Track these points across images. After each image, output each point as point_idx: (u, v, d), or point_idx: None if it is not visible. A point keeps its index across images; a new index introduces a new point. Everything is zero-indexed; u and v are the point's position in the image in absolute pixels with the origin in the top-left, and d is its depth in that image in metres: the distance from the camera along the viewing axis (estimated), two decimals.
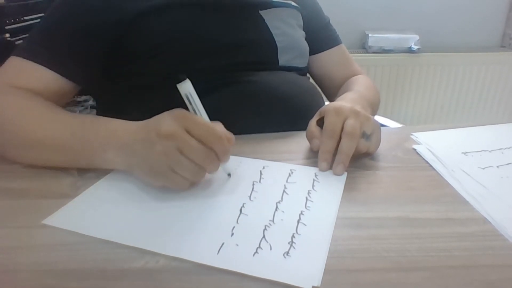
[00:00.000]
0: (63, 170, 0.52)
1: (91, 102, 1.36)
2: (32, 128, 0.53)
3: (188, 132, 0.43)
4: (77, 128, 0.52)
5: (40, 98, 0.58)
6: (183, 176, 0.44)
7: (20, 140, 0.54)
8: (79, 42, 0.64)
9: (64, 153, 0.52)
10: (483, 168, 0.53)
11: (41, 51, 0.61)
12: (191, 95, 0.46)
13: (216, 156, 0.45)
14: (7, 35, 1.09)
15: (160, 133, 0.44)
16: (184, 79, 0.45)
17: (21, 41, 1.09)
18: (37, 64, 0.60)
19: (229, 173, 0.51)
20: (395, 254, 0.37)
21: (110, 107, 0.75)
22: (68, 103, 1.23)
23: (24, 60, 0.60)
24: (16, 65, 0.61)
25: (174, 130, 0.43)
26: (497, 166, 0.54)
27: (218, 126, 0.47)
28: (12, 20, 1.11)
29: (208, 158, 0.44)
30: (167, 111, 0.46)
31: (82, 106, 1.35)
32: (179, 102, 0.65)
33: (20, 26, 1.13)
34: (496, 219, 0.42)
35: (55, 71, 0.61)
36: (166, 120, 0.45)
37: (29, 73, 0.60)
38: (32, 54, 0.61)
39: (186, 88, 0.46)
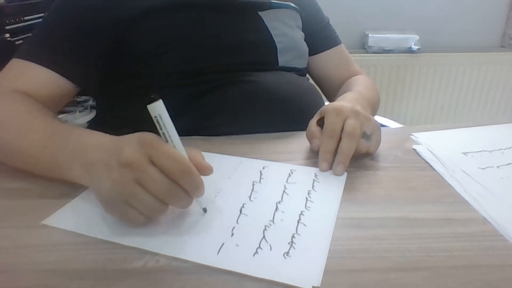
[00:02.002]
0: None
1: (91, 102, 1.36)
2: (12, 137, 0.52)
3: (151, 161, 0.38)
4: (48, 141, 0.49)
5: (31, 102, 0.57)
6: (139, 210, 0.38)
7: (2, 148, 0.53)
8: (79, 43, 0.64)
9: (38, 166, 0.50)
10: (483, 168, 0.53)
11: (42, 52, 0.61)
12: (161, 118, 0.38)
13: (183, 191, 0.39)
14: (7, 35, 1.09)
15: (119, 160, 0.38)
16: (157, 99, 0.38)
17: (21, 41, 1.09)
18: (38, 65, 0.60)
19: (204, 207, 0.43)
20: (395, 254, 0.37)
21: (110, 107, 0.75)
22: (68, 103, 1.23)
23: (25, 61, 0.60)
24: (17, 67, 0.61)
25: (134, 158, 0.37)
26: (497, 166, 0.54)
27: (195, 154, 0.41)
28: (12, 20, 1.11)
29: (172, 193, 0.38)
30: (137, 133, 0.40)
31: (82, 106, 1.35)
32: (179, 103, 0.66)
33: (20, 26, 1.13)
34: (496, 220, 0.42)
35: (55, 71, 0.61)
36: (129, 146, 0.39)
37: (29, 75, 0.60)
38: (32, 55, 0.61)
39: (157, 109, 0.38)
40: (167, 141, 0.39)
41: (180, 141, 0.40)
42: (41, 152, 0.49)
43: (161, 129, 0.39)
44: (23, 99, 0.57)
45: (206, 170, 0.41)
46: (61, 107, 0.66)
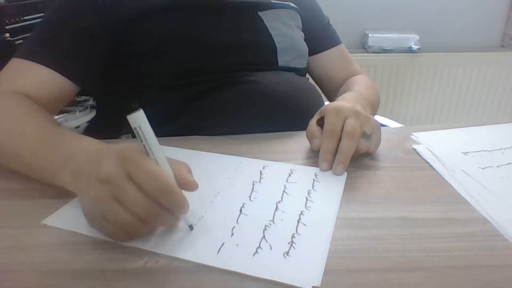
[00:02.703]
0: None
1: (91, 102, 1.36)
2: (5, 140, 0.52)
3: (130, 178, 0.35)
4: (39, 146, 0.49)
5: (27, 104, 0.56)
6: (119, 227, 0.37)
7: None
8: (80, 42, 0.64)
9: (31, 170, 0.49)
10: (483, 168, 0.53)
11: (42, 51, 0.61)
12: (141, 129, 0.36)
13: (165, 209, 0.36)
14: (7, 35, 1.09)
15: (98, 176, 0.36)
16: (137, 109, 0.35)
17: (21, 41, 1.09)
18: (38, 64, 0.60)
19: (190, 224, 0.41)
20: (395, 254, 0.37)
21: (110, 107, 0.75)
22: (68, 103, 1.23)
23: (25, 61, 0.60)
24: (17, 67, 0.61)
25: (112, 174, 0.36)
26: (497, 166, 0.54)
27: (180, 168, 0.39)
28: (12, 20, 1.11)
29: (151, 212, 0.36)
30: (120, 146, 0.38)
31: (82, 106, 1.35)
32: (179, 103, 0.66)
33: (20, 26, 1.13)
34: (496, 219, 0.42)
35: (56, 70, 0.61)
36: (108, 160, 0.37)
37: (29, 74, 0.60)
38: (32, 54, 0.61)
39: (137, 120, 0.36)
40: (148, 154, 0.37)
41: (163, 154, 0.37)
42: (31, 157, 0.49)
43: (141, 141, 0.36)
44: (19, 101, 0.56)
45: (190, 186, 0.38)
46: (61, 107, 0.66)
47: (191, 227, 0.41)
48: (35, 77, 0.60)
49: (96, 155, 0.40)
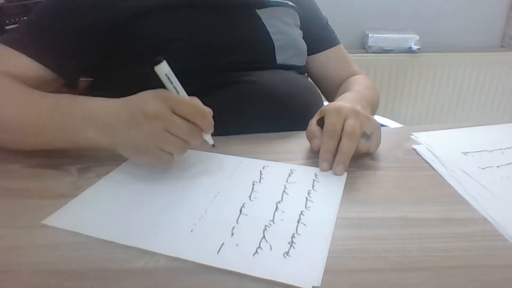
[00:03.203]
0: (63, 170, 0.52)
1: None
2: (9, 112, 0.54)
3: (173, 111, 0.45)
4: (53, 108, 0.52)
5: (17, 80, 0.58)
6: (170, 152, 0.47)
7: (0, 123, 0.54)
8: (71, 38, 0.63)
9: (43, 135, 0.53)
10: (483, 168, 0.53)
11: (29, 43, 0.61)
12: (170, 75, 0.47)
13: (199, 129, 0.48)
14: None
15: (146, 114, 0.45)
16: (161, 61, 0.46)
17: None
18: (23, 55, 0.60)
19: (213, 143, 0.52)
20: (395, 254, 0.37)
21: None
22: None
23: (10, 49, 0.60)
24: (2, 53, 0.61)
25: (160, 111, 0.45)
26: (497, 166, 0.54)
27: (196, 101, 0.49)
28: (12, 20, 1.11)
29: (193, 134, 0.47)
30: (149, 91, 0.47)
31: None
32: None
33: (21, 24, 1.13)
34: (496, 219, 0.42)
35: (37, 61, 0.61)
36: (151, 101, 0.46)
37: (11, 60, 0.60)
38: (19, 44, 0.61)
39: (165, 68, 0.46)
40: (178, 93, 0.48)
41: (185, 91, 0.49)
42: (47, 121, 0.52)
43: (171, 83, 0.47)
44: (11, 78, 0.58)
45: (210, 111, 0.49)
46: None
47: (213, 145, 0.53)
48: (19, 65, 0.60)
49: (129, 105, 0.48)
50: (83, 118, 0.50)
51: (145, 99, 0.47)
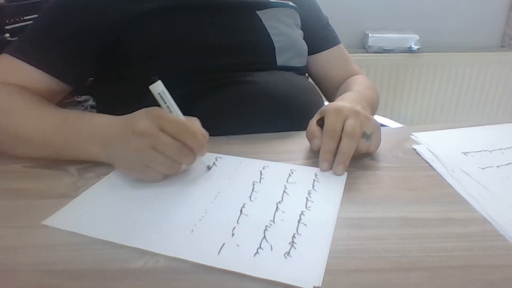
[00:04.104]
0: (63, 170, 0.52)
1: (91, 102, 1.35)
2: (20, 124, 0.55)
3: (162, 129, 0.45)
4: (61, 126, 0.54)
5: (28, 92, 0.59)
6: (157, 170, 0.47)
7: (8, 136, 0.56)
8: (72, 43, 0.64)
9: (50, 148, 0.54)
10: (483, 168, 0.53)
11: (32, 51, 0.62)
12: (164, 94, 0.48)
13: (190, 150, 0.47)
14: (7, 35, 1.09)
15: (135, 131, 0.46)
16: (156, 81, 0.47)
17: None
18: (27, 64, 0.61)
19: (208, 165, 0.53)
20: (395, 254, 0.37)
21: (109, 107, 0.75)
22: (68, 103, 1.23)
23: (15, 59, 0.61)
24: (7, 63, 0.61)
25: (148, 128, 0.45)
26: (497, 166, 0.54)
27: (194, 122, 0.50)
28: (12, 20, 1.11)
29: (182, 153, 0.47)
30: (143, 109, 0.48)
31: (82, 106, 1.34)
32: (177, 103, 0.65)
33: (20, 26, 1.13)
34: (496, 219, 0.42)
35: (44, 71, 0.62)
36: (141, 119, 0.47)
37: (19, 72, 0.61)
38: (23, 53, 0.61)
39: (159, 88, 0.48)
40: (170, 112, 0.48)
41: (180, 111, 0.49)
42: (53, 136, 0.54)
43: (165, 103, 0.48)
44: (20, 89, 0.59)
45: (204, 135, 0.49)
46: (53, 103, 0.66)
47: (208, 167, 0.52)
48: (24, 75, 0.61)
49: (125, 121, 0.49)
50: (88, 134, 0.52)
51: (137, 116, 0.48)
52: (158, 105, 0.48)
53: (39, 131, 0.54)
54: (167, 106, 0.48)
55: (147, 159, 0.46)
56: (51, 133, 0.54)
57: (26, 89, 0.60)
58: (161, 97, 0.48)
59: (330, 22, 0.90)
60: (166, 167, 0.47)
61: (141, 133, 0.45)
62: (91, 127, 0.52)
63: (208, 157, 0.52)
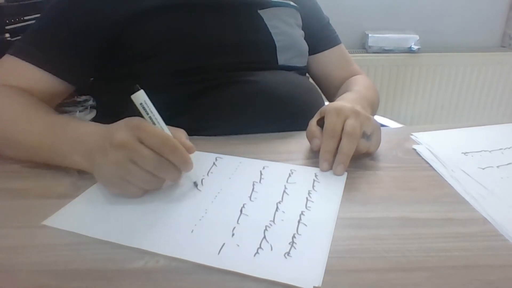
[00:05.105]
0: (63, 170, 0.52)
1: (91, 102, 1.35)
2: (10, 129, 0.55)
3: (141, 142, 0.42)
4: (47, 131, 0.53)
5: (26, 95, 0.59)
6: (136, 185, 0.44)
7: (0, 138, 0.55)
8: (74, 43, 0.64)
9: (39, 153, 0.53)
10: (483, 168, 0.53)
11: (35, 51, 0.62)
12: (146, 104, 0.45)
13: (172, 165, 0.44)
14: (7, 35, 1.09)
15: (112, 143, 0.43)
16: (138, 90, 0.45)
17: None
18: (30, 64, 0.61)
19: (195, 181, 0.48)
20: (395, 254, 0.37)
21: (109, 107, 0.75)
22: (68, 103, 1.23)
23: (18, 59, 0.61)
24: (10, 64, 0.62)
25: (126, 140, 0.42)
26: (497, 166, 0.54)
27: (178, 134, 0.47)
28: (12, 20, 1.11)
29: (162, 167, 0.43)
30: (124, 119, 0.45)
31: (82, 106, 1.34)
32: (177, 103, 0.66)
33: (20, 26, 1.13)
34: (496, 219, 0.42)
35: (48, 71, 0.62)
36: (119, 130, 0.44)
37: (21, 73, 0.61)
38: (25, 54, 0.61)
39: (140, 98, 0.45)
40: (154, 124, 0.45)
41: (164, 123, 0.46)
42: (40, 142, 0.52)
43: (147, 114, 0.45)
44: (18, 92, 0.58)
45: (189, 149, 0.46)
46: (54, 105, 0.66)
47: (195, 184, 0.48)
48: (27, 76, 0.61)
49: (105, 131, 0.46)
50: (72, 143, 0.50)
51: (116, 127, 0.45)
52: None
53: (27, 134, 0.53)
54: (150, 118, 0.45)
55: (125, 172, 0.43)
56: (38, 137, 0.53)
57: (28, 91, 0.60)
58: (143, 107, 0.45)
59: (330, 22, 0.90)
60: (145, 182, 0.44)
61: (119, 145, 0.42)
62: (76, 135, 0.50)
63: (195, 173, 0.48)
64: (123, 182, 0.44)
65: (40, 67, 0.61)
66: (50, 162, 0.52)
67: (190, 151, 0.46)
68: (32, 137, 0.53)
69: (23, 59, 0.61)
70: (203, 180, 0.50)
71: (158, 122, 0.46)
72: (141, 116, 0.45)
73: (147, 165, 0.43)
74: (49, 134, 0.52)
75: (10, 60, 0.61)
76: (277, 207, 0.45)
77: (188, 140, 0.47)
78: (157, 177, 0.44)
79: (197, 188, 0.48)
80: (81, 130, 0.51)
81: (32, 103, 0.58)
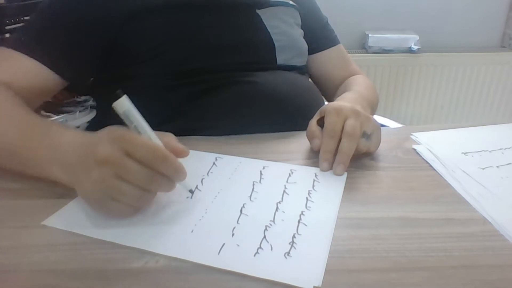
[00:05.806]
0: None
1: (91, 102, 1.35)
2: None
3: (128, 155, 0.38)
4: (25, 137, 0.49)
5: (11, 95, 0.55)
6: (125, 202, 0.40)
7: None
8: (68, 36, 0.64)
9: (15, 161, 0.49)
10: (483, 168, 0.53)
11: (27, 41, 0.61)
12: (130, 112, 0.40)
13: (163, 176, 0.40)
14: (7, 35, 1.09)
15: (96, 159, 0.39)
16: (120, 96, 0.40)
17: None
18: (23, 54, 0.60)
19: (190, 189, 0.45)
20: (395, 254, 0.37)
21: (109, 108, 0.75)
22: (68, 103, 1.23)
23: (11, 50, 0.60)
24: (2, 55, 0.61)
25: (110, 155, 0.38)
26: (497, 166, 0.54)
27: (168, 139, 0.43)
28: (12, 20, 1.11)
29: (153, 180, 0.40)
30: (107, 129, 0.41)
31: (82, 106, 1.34)
32: (176, 103, 0.66)
33: (20, 26, 1.13)
34: (496, 219, 0.42)
35: (40, 62, 0.61)
36: (103, 143, 0.39)
37: (12, 63, 0.60)
38: (19, 44, 0.61)
39: (123, 105, 0.40)
40: (139, 133, 0.41)
41: (152, 130, 0.42)
42: (18, 146, 0.49)
43: (131, 123, 0.40)
44: (2, 91, 0.56)
45: (182, 153, 0.43)
46: (44, 99, 0.65)
47: (191, 191, 0.45)
48: (19, 66, 0.60)
49: (87, 144, 0.42)
50: (49, 149, 0.46)
51: (98, 140, 0.40)
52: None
53: (4, 141, 0.49)
54: (135, 126, 0.41)
55: (111, 190, 0.39)
56: (15, 144, 0.49)
57: (16, 82, 0.58)
58: (127, 116, 0.40)
59: (330, 22, 0.90)
60: (136, 198, 0.40)
61: (104, 161, 0.38)
62: (53, 141, 0.46)
63: (191, 181, 0.44)
64: (109, 201, 0.40)
65: (31, 57, 0.60)
66: (25, 171, 0.48)
67: (183, 154, 0.43)
68: (8, 143, 0.49)
69: (16, 49, 0.60)
70: (203, 180, 0.50)
71: (145, 130, 0.41)
72: (125, 124, 0.41)
73: (137, 180, 0.39)
74: (28, 140, 0.48)
75: (3, 52, 0.61)
76: (277, 207, 0.45)
77: (179, 143, 0.44)
78: (148, 192, 0.40)
79: (191, 197, 0.45)
80: (59, 138, 0.46)
81: (15, 104, 0.54)
